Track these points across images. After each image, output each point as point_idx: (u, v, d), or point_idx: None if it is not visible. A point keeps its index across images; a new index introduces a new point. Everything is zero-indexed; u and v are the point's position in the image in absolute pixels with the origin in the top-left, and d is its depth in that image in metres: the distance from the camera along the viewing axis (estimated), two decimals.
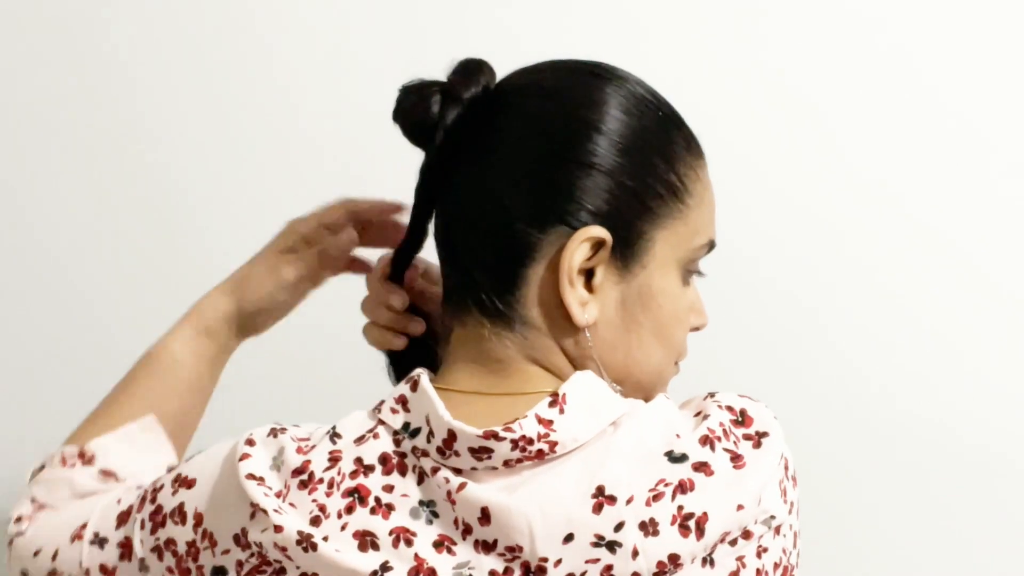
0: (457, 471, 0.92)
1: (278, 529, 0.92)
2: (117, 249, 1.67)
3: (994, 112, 1.58)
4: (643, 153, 0.96)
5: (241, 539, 0.95)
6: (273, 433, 0.97)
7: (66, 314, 1.67)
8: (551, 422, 0.92)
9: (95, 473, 1.12)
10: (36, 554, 1.08)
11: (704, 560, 0.90)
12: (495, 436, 0.91)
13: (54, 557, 1.07)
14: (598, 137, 0.95)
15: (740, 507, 0.90)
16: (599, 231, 0.94)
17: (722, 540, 0.90)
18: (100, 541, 1.05)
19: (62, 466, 1.13)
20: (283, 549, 0.92)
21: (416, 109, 1.00)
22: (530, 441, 0.91)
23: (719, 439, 0.92)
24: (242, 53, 1.64)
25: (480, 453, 0.92)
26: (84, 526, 1.06)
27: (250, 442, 0.97)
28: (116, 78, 1.65)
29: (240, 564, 0.95)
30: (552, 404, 0.93)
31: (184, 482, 0.99)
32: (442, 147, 0.99)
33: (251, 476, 0.94)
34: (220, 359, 1.22)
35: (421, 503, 0.92)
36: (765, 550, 0.92)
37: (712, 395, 0.96)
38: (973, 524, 1.61)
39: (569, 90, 0.98)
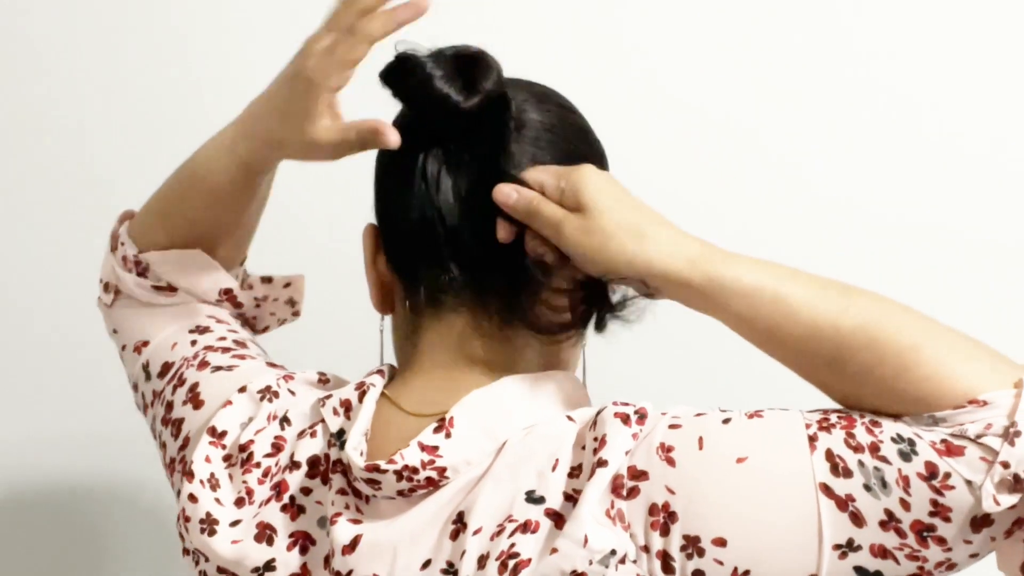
0: (365, 496, 0.92)
1: (192, 499, 0.93)
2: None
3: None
4: None
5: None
6: (266, 394, 0.98)
7: None
8: (436, 448, 0.90)
9: (148, 286, 1.11)
10: (114, 332, 1.15)
11: None
12: (377, 469, 0.90)
13: (123, 349, 1.13)
14: None
15: (554, 550, 0.85)
16: None
17: None
18: (148, 374, 1.09)
19: (123, 266, 1.12)
20: (187, 520, 0.93)
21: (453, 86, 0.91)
22: (415, 471, 0.89)
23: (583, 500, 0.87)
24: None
25: (371, 484, 0.91)
26: (146, 344, 1.10)
27: (242, 389, 0.98)
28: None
29: None
30: (438, 429, 0.91)
31: (194, 400, 1.01)
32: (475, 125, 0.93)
33: (212, 431, 0.96)
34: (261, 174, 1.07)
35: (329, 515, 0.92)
36: None
37: (602, 455, 0.88)
38: None
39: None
